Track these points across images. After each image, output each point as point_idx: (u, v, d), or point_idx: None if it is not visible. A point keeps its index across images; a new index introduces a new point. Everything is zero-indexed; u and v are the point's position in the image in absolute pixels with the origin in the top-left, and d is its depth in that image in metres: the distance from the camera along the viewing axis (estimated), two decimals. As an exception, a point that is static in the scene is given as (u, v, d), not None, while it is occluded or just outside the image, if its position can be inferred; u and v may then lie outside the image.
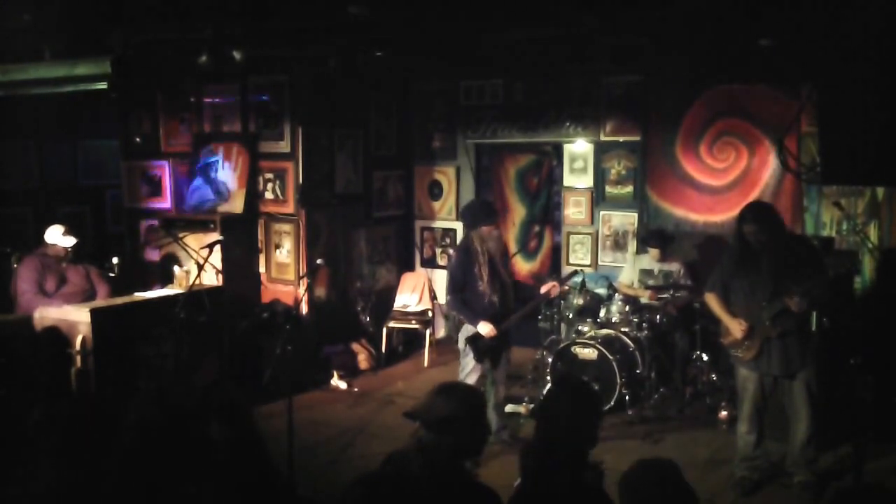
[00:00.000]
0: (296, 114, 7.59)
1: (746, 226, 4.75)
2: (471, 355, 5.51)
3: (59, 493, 2.51)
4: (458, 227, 8.86)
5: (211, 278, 6.70)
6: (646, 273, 7.11)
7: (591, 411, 2.99)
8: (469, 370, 5.56)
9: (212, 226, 7.24)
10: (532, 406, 6.44)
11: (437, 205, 9.01)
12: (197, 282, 6.32)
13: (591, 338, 6.53)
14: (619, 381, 6.23)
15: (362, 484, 2.47)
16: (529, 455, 2.88)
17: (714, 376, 6.59)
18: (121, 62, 6.06)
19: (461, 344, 5.62)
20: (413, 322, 8.21)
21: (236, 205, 7.69)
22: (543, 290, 5.82)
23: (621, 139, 7.94)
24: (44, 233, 6.30)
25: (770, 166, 7.18)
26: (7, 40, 5.96)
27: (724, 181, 7.41)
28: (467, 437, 2.75)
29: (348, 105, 8.15)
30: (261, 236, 7.86)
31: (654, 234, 7.17)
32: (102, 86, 6.28)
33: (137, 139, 8.38)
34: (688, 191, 7.59)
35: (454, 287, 5.55)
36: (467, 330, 5.57)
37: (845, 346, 5.49)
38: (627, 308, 6.79)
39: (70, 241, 6.21)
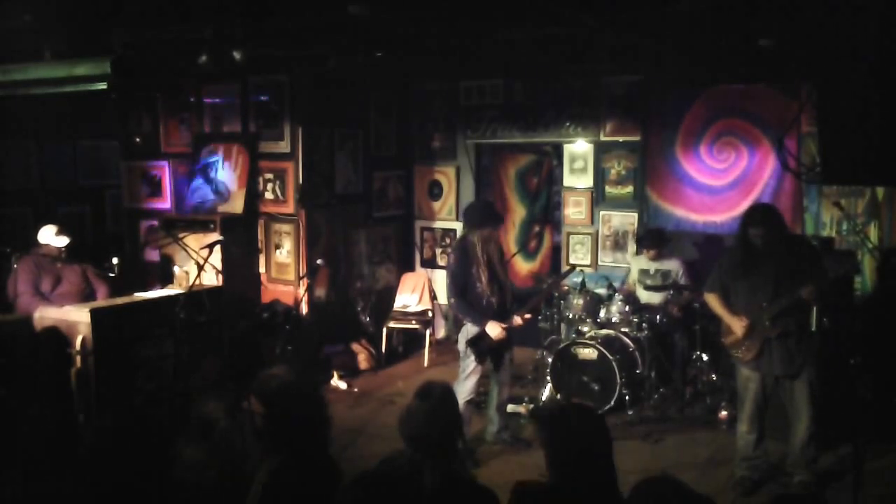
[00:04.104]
0: (296, 114, 7.59)
1: (753, 229, 4.74)
2: (472, 357, 5.50)
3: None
4: (458, 227, 8.86)
5: (211, 278, 6.69)
6: (643, 273, 7.12)
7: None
8: (469, 371, 5.55)
9: (212, 226, 7.25)
10: (532, 406, 6.44)
11: (437, 205, 9.01)
12: (197, 282, 6.32)
13: (591, 338, 6.53)
14: (619, 381, 6.24)
15: (359, 484, 2.49)
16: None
17: (714, 376, 6.59)
18: (121, 62, 6.05)
19: (462, 346, 5.60)
20: (413, 322, 8.21)
21: (236, 205, 7.69)
22: (516, 321, 5.58)
23: (621, 139, 7.94)
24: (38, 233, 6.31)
25: (770, 166, 7.18)
26: (7, 40, 5.95)
27: (724, 181, 7.41)
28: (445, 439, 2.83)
29: (348, 105, 8.15)
30: (261, 236, 7.86)
31: (649, 236, 7.17)
32: (102, 86, 6.27)
33: (137, 139, 8.38)
34: (688, 191, 7.60)
35: (457, 289, 5.49)
36: (468, 331, 5.54)
37: (845, 346, 5.48)
38: (627, 308, 6.79)
39: (62, 241, 6.20)
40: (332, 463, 2.94)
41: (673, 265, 7.04)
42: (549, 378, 6.59)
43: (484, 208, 5.80)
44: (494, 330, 5.42)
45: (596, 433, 2.68)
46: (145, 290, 6.78)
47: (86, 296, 6.22)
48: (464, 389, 5.52)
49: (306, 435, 2.85)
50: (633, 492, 2.36)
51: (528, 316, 5.71)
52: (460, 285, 5.49)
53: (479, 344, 5.45)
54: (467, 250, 5.50)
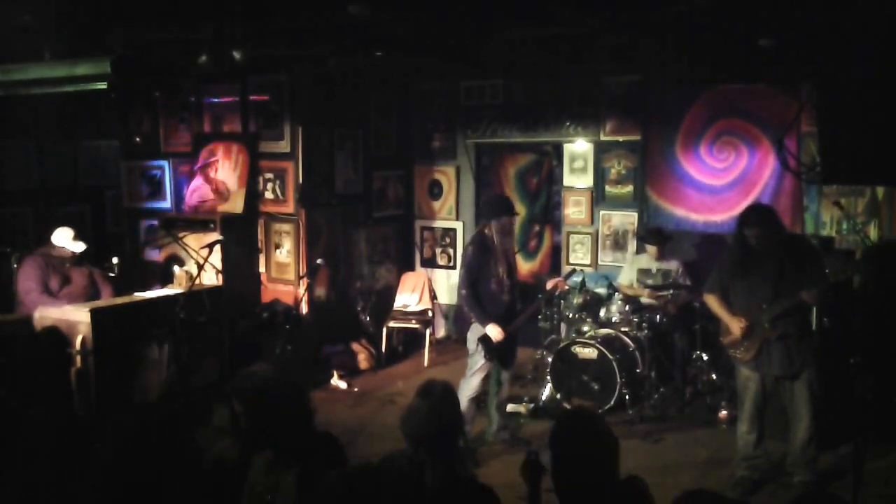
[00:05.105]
0: (296, 114, 7.59)
1: (749, 229, 4.74)
2: (480, 354, 5.47)
3: None
4: (458, 226, 8.88)
5: (211, 278, 6.69)
6: (644, 272, 7.12)
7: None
8: (476, 368, 5.53)
9: (212, 226, 7.24)
10: (532, 406, 6.44)
11: (437, 205, 9.01)
12: (197, 282, 6.33)
13: (591, 337, 6.54)
14: (619, 380, 6.24)
15: (356, 476, 2.46)
16: None
17: (714, 376, 6.59)
18: (121, 62, 6.05)
19: (471, 343, 5.58)
20: (413, 322, 8.21)
21: (236, 205, 7.69)
22: (549, 285, 5.94)
23: (621, 139, 7.94)
24: (49, 233, 6.29)
25: (770, 166, 7.18)
26: (7, 40, 5.95)
27: (724, 181, 7.41)
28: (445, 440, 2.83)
29: (348, 105, 8.15)
30: (261, 236, 7.86)
31: (652, 232, 7.20)
32: (102, 86, 6.27)
33: (137, 139, 8.38)
34: (688, 191, 7.60)
35: (470, 281, 5.46)
36: (478, 329, 5.51)
37: (845, 346, 5.49)
38: (627, 308, 6.80)
39: (80, 247, 6.22)
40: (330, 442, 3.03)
41: (673, 265, 7.05)
42: (549, 378, 6.59)
43: (498, 199, 5.85)
44: (493, 331, 5.41)
45: (600, 440, 2.59)
46: (145, 290, 6.78)
47: (91, 297, 6.23)
48: (469, 386, 5.52)
49: (291, 428, 2.91)
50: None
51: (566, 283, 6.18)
52: (474, 278, 5.46)
53: (490, 341, 5.44)
54: (485, 243, 5.49)
